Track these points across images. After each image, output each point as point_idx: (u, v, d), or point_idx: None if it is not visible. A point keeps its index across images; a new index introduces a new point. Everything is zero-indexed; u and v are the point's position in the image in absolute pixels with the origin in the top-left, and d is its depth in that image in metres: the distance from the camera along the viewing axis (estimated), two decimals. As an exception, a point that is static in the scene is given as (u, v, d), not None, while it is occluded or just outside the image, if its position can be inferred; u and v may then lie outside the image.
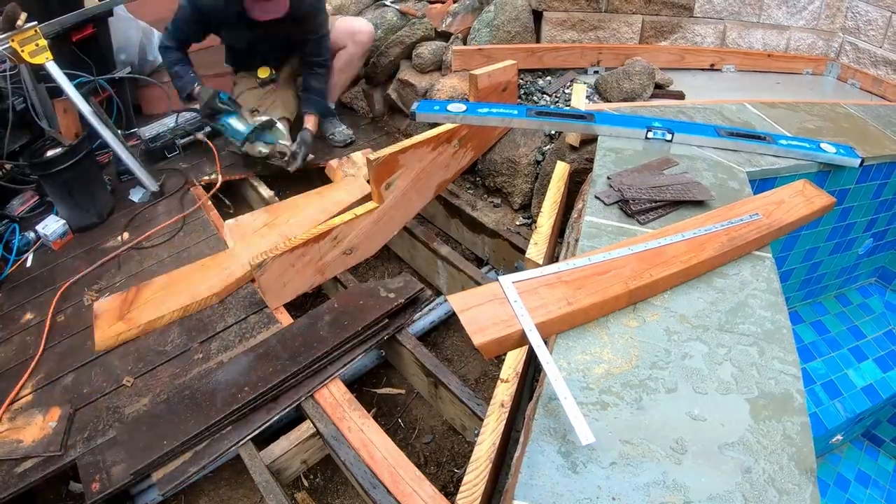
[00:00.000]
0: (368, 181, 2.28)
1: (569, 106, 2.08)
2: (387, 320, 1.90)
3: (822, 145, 1.79)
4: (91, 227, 2.41)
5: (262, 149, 2.61)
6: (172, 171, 2.77)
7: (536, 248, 1.62)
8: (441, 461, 1.94)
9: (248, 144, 2.59)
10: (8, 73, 2.38)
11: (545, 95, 2.60)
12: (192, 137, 2.94)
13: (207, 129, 3.06)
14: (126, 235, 2.37)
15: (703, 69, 3.01)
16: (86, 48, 2.79)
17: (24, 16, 2.16)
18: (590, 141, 2.02)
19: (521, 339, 1.01)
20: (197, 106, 2.64)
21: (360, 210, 2.11)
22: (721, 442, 0.89)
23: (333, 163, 2.71)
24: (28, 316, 2.03)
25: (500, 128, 2.59)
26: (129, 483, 1.48)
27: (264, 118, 2.60)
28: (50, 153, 2.25)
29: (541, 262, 1.57)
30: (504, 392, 1.42)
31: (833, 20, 3.03)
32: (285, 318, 1.97)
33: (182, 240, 2.35)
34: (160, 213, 2.50)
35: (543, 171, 2.43)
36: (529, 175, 2.53)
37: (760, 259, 1.27)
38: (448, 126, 2.36)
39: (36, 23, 2.23)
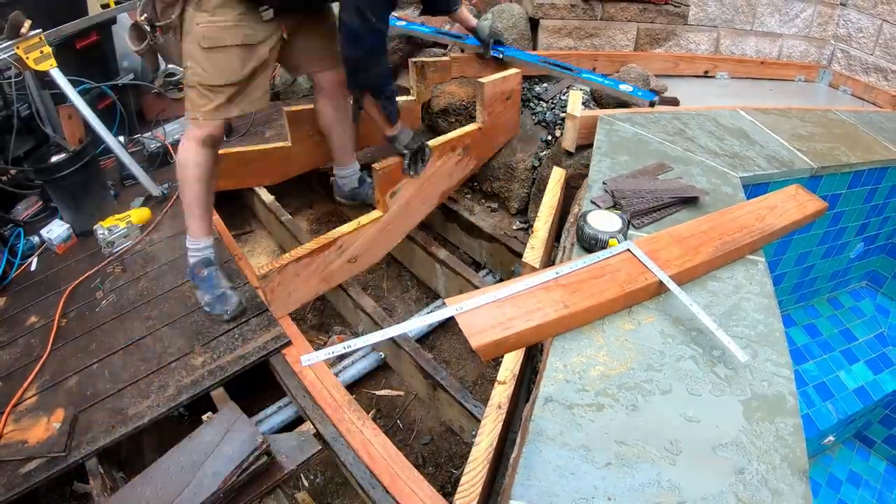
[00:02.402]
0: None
1: (565, 112, 2.12)
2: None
3: (620, 86, 2.32)
4: (95, 232, 2.43)
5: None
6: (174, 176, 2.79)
7: (533, 252, 1.64)
8: (439, 462, 1.96)
9: None
10: (13, 79, 2.41)
11: (542, 101, 2.63)
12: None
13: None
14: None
15: (697, 76, 3.05)
16: (89, 55, 2.82)
17: (28, 23, 2.19)
18: (586, 146, 2.05)
19: (518, 342, 1.03)
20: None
21: (364, 219, 2.13)
22: (715, 443, 0.90)
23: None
24: (33, 319, 2.04)
25: (502, 137, 2.63)
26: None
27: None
28: (54, 159, 2.27)
29: (538, 265, 1.59)
30: (501, 394, 1.44)
31: (825, 28, 3.08)
32: (284, 320, 1.99)
33: (184, 243, 2.36)
34: (163, 218, 2.52)
35: (540, 177, 2.46)
36: (526, 180, 2.56)
37: (753, 263, 1.30)
38: (452, 134, 2.39)
39: (40, 30, 2.25)
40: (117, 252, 2.29)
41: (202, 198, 1.89)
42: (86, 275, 2.20)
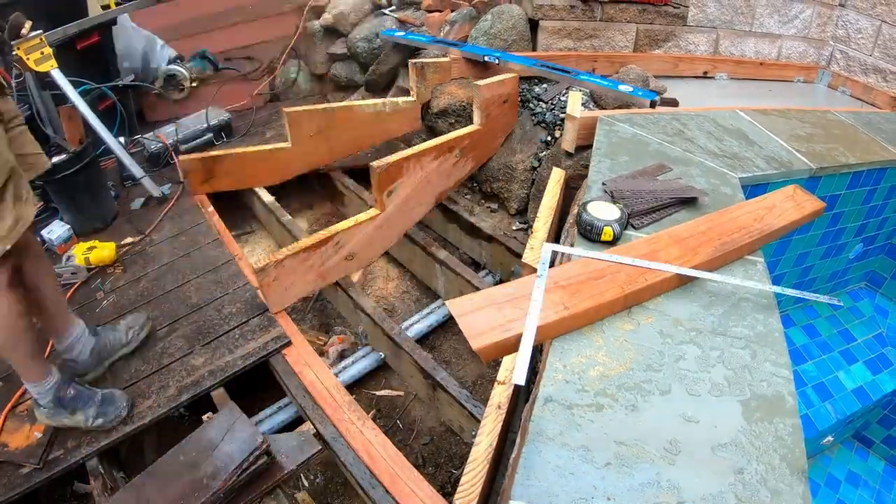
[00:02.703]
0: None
1: (565, 113, 2.12)
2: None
3: (620, 86, 2.29)
4: (95, 232, 2.43)
5: None
6: (174, 176, 2.80)
7: (532, 252, 1.65)
8: (439, 462, 1.96)
9: None
10: (14, 80, 2.41)
11: (541, 102, 2.63)
12: (197, 142, 2.97)
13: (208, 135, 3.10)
14: (129, 240, 2.40)
15: (696, 77, 3.05)
16: (90, 56, 2.82)
17: (29, 24, 2.19)
18: (585, 147, 2.05)
19: (517, 344, 1.03)
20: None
21: (362, 216, 2.14)
22: (714, 443, 0.91)
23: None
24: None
25: (499, 139, 2.64)
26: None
27: None
28: (55, 159, 2.27)
29: (537, 266, 1.60)
30: (501, 394, 1.44)
31: (824, 29, 3.08)
32: (284, 321, 2.00)
33: (185, 244, 2.37)
34: (164, 219, 2.53)
35: (539, 177, 2.46)
36: (526, 181, 2.57)
37: (753, 263, 1.30)
38: (450, 136, 2.40)
39: (41, 31, 2.25)
40: (61, 284, 2.09)
41: (35, 337, 1.53)
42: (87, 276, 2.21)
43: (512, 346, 1.04)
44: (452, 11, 3.15)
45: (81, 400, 1.63)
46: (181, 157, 2.63)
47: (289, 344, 1.90)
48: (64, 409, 1.61)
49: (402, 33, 3.00)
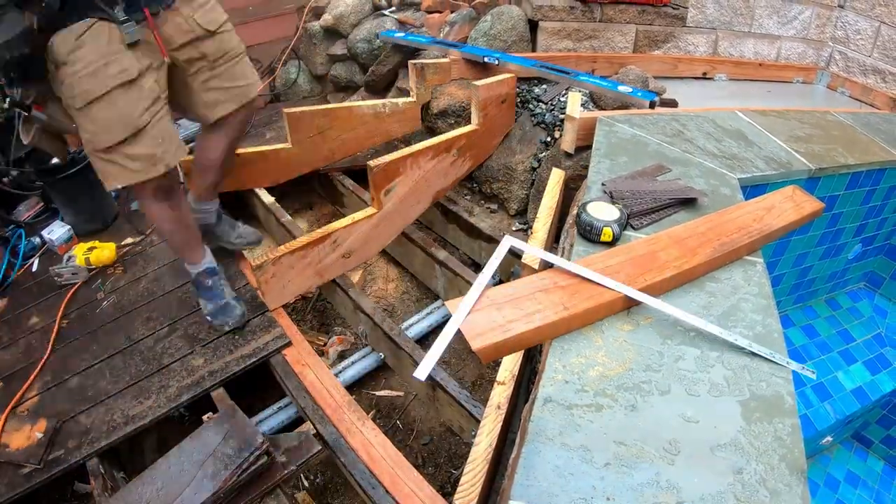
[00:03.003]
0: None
1: (565, 114, 2.13)
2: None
3: (619, 87, 2.28)
4: (95, 233, 2.44)
5: None
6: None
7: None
8: (439, 462, 1.97)
9: None
10: (13, 80, 2.41)
11: (541, 103, 2.63)
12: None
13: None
14: (130, 240, 2.40)
15: (695, 78, 3.05)
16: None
17: (29, 24, 2.19)
18: (585, 148, 2.06)
19: (518, 344, 1.04)
20: None
21: (359, 215, 2.14)
22: (713, 443, 0.91)
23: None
24: (34, 319, 2.05)
25: (497, 139, 2.64)
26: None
27: None
28: (55, 160, 2.28)
29: (536, 266, 1.60)
30: (500, 394, 1.45)
31: (823, 30, 3.09)
32: (284, 321, 2.00)
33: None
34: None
35: (539, 178, 2.47)
36: (525, 181, 2.57)
37: (752, 264, 1.30)
38: (448, 135, 2.40)
39: (41, 31, 2.25)
40: (61, 284, 2.20)
41: (189, 235, 1.86)
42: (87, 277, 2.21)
43: (512, 346, 1.04)
44: (452, 12, 3.15)
45: (210, 292, 1.92)
46: (181, 158, 2.62)
47: (289, 344, 1.90)
48: (197, 290, 1.93)
49: (401, 34, 3.00)
